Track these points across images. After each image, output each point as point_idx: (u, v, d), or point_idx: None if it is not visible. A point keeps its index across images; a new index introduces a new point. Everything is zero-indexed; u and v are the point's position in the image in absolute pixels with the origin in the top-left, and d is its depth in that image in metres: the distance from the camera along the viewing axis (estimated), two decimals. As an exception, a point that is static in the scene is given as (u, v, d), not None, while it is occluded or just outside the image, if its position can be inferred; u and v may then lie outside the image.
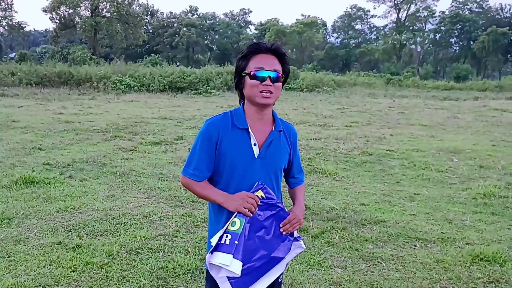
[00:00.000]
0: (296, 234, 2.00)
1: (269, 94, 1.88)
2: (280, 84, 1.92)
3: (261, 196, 1.88)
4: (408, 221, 4.83)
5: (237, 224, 1.83)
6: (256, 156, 1.94)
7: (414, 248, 4.11)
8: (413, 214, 5.09)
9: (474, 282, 3.46)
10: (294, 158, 2.13)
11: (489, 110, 18.90)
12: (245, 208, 1.84)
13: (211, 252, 1.83)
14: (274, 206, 1.91)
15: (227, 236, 1.83)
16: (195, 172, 1.95)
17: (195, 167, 1.96)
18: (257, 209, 1.86)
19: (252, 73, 1.88)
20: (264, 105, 1.92)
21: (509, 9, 75.57)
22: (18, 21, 53.88)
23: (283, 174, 2.13)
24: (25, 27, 56.19)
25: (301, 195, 2.19)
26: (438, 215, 5.11)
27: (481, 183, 6.44)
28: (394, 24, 71.68)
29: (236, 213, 1.86)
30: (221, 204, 1.93)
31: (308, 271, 3.60)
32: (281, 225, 1.92)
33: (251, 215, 1.84)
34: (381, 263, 3.76)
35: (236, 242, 1.80)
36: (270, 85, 1.87)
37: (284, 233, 1.93)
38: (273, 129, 1.99)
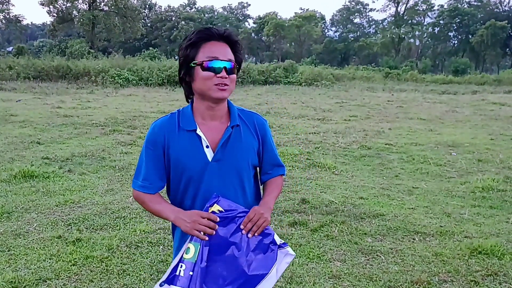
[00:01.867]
0: (279, 240, 1.68)
1: (224, 86, 1.65)
2: (235, 76, 1.69)
3: (218, 210, 1.62)
4: (406, 214, 4.85)
5: (191, 251, 1.59)
6: (210, 160, 1.70)
7: (413, 242, 4.13)
8: (412, 208, 5.11)
9: (472, 275, 3.47)
10: (264, 152, 1.84)
11: (487, 104, 18.88)
12: (198, 231, 1.59)
13: (163, 284, 1.58)
14: (237, 218, 1.63)
15: (181, 266, 1.58)
16: (145, 184, 1.76)
17: (144, 178, 1.76)
18: (216, 227, 1.60)
19: (204, 63, 1.62)
20: (219, 100, 1.68)
21: (508, 3, 75.32)
22: (15, 15, 53.83)
23: (253, 172, 1.84)
24: (22, 20, 56.08)
25: (271, 189, 1.87)
26: (437, 208, 5.12)
27: (479, 176, 6.46)
28: (393, 18, 71.54)
29: (190, 236, 1.62)
30: (173, 222, 1.72)
31: (307, 264, 3.61)
32: (242, 227, 1.62)
33: (207, 239, 1.58)
34: (380, 256, 3.78)
35: (191, 273, 1.56)
36: (226, 77, 1.64)
37: (250, 235, 1.62)
38: (228, 125, 1.74)
